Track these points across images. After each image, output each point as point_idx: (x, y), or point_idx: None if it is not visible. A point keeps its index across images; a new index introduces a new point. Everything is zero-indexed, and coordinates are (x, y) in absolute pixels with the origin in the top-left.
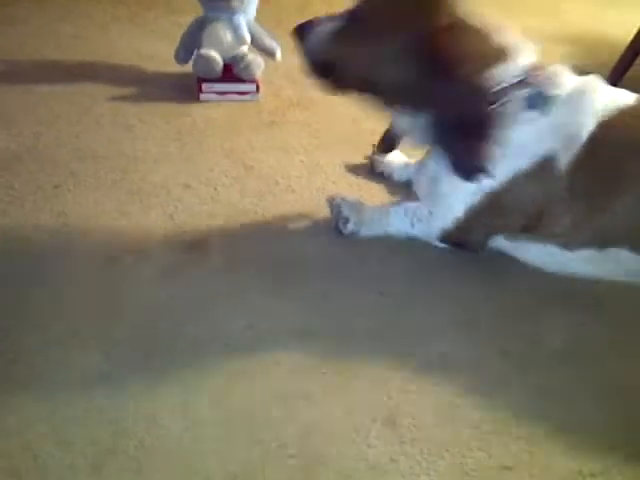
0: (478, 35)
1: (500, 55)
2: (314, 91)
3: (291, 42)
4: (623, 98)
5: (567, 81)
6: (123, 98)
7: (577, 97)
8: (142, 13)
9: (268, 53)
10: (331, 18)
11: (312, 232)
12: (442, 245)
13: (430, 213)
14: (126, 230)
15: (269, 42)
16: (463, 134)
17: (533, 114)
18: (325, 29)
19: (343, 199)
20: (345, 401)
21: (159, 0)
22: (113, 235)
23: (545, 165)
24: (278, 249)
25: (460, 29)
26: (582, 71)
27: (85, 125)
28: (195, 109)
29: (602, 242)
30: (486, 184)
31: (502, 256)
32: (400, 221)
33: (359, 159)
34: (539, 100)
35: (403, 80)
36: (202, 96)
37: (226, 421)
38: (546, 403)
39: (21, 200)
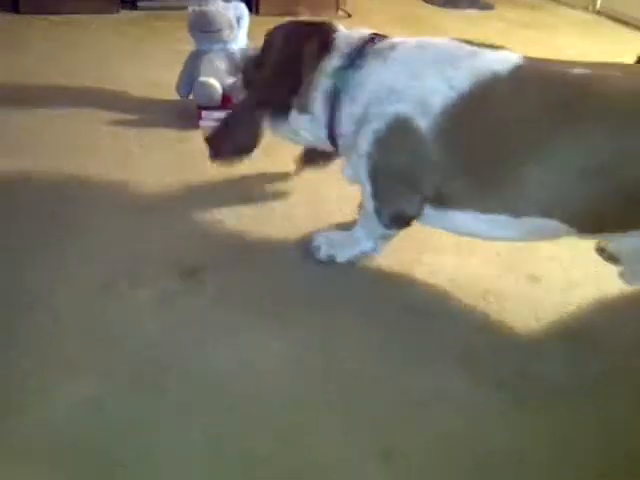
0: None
1: (327, 47)
2: None
3: None
4: (493, 66)
5: (394, 50)
6: (124, 123)
7: (421, 63)
8: (144, 42)
9: None
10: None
11: (307, 262)
12: (391, 229)
13: (363, 206)
14: (123, 255)
15: None
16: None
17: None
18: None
19: (317, 232)
20: (341, 436)
21: (161, 29)
22: (110, 260)
23: (400, 127)
24: (274, 279)
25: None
26: None
27: (86, 149)
28: (195, 136)
29: (514, 210)
30: (362, 148)
31: (494, 291)
32: (364, 235)
33: (356, 188)
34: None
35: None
36: (202, 123)
37: (219, 456)
38: (544, 439)
39: (20, 224)
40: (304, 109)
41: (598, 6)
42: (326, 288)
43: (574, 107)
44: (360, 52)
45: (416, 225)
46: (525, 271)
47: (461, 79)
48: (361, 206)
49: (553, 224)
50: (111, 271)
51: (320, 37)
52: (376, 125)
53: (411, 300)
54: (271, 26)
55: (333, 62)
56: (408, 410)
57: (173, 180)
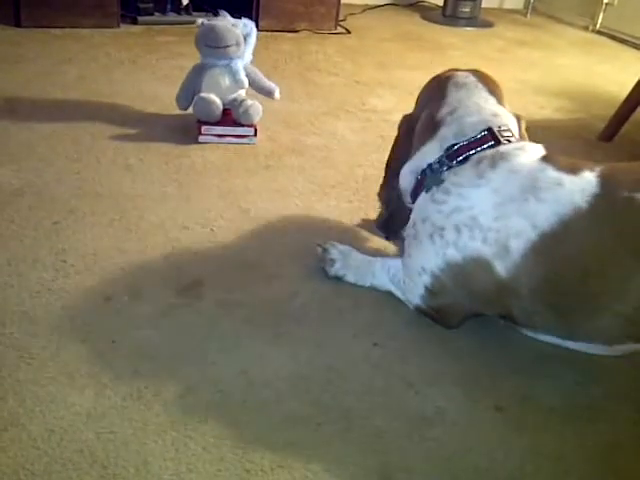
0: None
1: (433, 132)
2: (309, 137)
3: (287, 88)
4: (574, 197)
5: (493, 171)
6: (123, 138)
7: (508, 198)
8: (144, 56)
9: (267, 93)
10: None
11: (306, 277)
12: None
13: (404, 282)
14: (123, 269)
15: (267, 83)
16: None
17: (440, 194)
18: None
19: (333, 243)
20: (339, 454)
21: (161, 44)
22: (110, 273)
23: (478, 266)
24: (272, 293)
25: (421, 105)
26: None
27: (85, 163)
28: (194, 151)
29: (608, 341)
30: (431, 265)
31: None
32: (381, 276)
33: (353, 204)
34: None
35: None
36: (201, 138)
37: (218, 469)
38: (542, 463)
39: (21, 235)
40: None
41: (598, 25)
42: (325, 302)
43: None
44: (466, 151)
45: None
46: None
47: (543, 216)
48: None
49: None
50: (111, 284)
51: (433, 109)
52: (452, 252)
53: (411, 317)
54: (271, 42)
55: (430, 150)
56: (408, 429)
57: (172, 194)
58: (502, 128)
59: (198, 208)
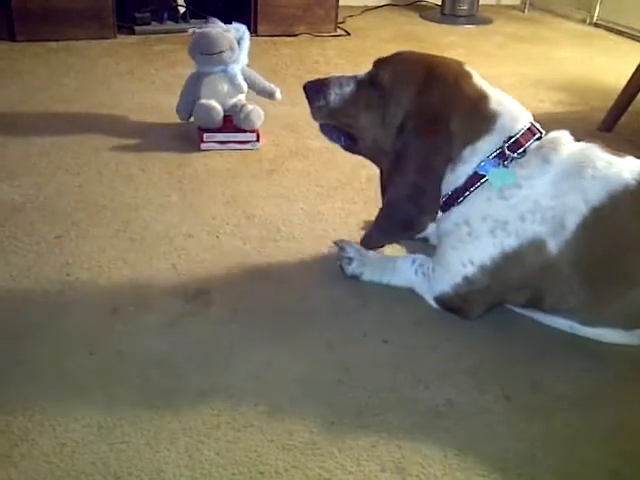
0: (468, 105)
1: (488, 125)
2: (312, 140)
3: (288, 92)
4: (624, 175)
5: (556, 155)
6: (125, 148)
7: (565, 175)
8: (142, 66)
9: (268, 94)
10: (341, 81)
11: (314, 280)
12: (435, 306)
13: (433, 270)
14: (129, 280)
15: (267, 84)
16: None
17: (511, 190)
18: (337, 93)
19: (349, 242)
20: (353, 451)
21: (158, 53)
22: (116, 285)
23: (533, 248)
24: (280, 298)
25: (452, 102)
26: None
27: (87, 175)
28: (196, 159)
29: (629, 324)
30: (483, 257)
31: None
32: (406, 270)
33: (359, 206)
34: (506, 175)
35: (399, 150)
36: (203, 146)
37: (232, 473)
38: (552, 449)
39: (24, 250)
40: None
41: (595, 18)
42: (335, 304)
43: None
44: (526, 142)
45: (419, 235)
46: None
47: (594, 191)
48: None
49: None
50: (117, 295)
51: (476, 103)
52: (510, 241)
53: (420, 313)
54: (271, 46)
55: (490, 147)
56: (420, 422)
57: (176, 203)
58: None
59: (203, 216)
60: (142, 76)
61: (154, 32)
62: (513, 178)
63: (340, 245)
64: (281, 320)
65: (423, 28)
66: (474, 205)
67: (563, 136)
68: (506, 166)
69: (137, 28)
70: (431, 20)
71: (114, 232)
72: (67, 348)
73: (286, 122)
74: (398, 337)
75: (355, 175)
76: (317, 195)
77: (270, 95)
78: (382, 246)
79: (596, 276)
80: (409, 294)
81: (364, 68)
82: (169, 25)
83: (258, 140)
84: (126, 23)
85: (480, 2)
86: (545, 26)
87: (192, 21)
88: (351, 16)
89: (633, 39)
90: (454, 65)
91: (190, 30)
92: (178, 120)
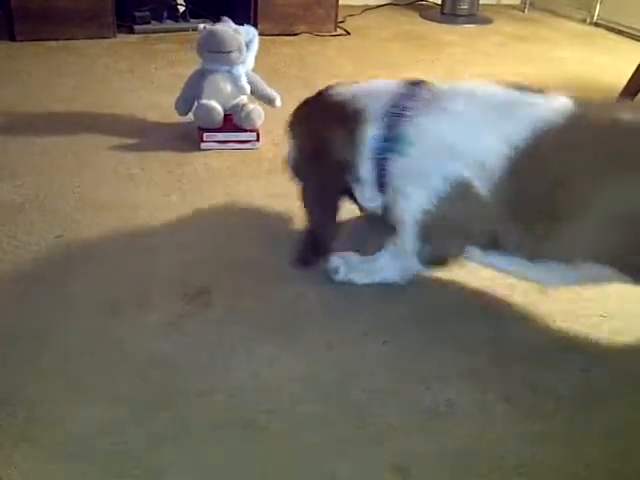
0: (335, 111)
1: (357, 119)
2: None
3: (288, 91)
4: (545, 114)
5: (449, 103)
6: (124, 148)
7: (476, 119)
8: (142, 65)
9: (268, 101)
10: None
11: (315, 279)
12: (428, 268)
13: (402, 245)
14: (129, 280)
15: (269, 90)
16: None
17: (412, 149)
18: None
19: (331, 254)
20: (354, 451)
21: (158, 52)
22: (116, 285)
23: (460, 190)
24: (281, 297)
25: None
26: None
27: (86, 175)
28: (196, 158)
29: (568, 258)
30: (419, 212)
31: (501, 302)
32: (389, 263)
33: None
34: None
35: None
36: (203, 145)
37: (234, 474)
38: (552, 450)
39: (23, 251)
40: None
41: (595, 18)
42: (335, 303)
43: (622, 157)
44: (401, 110)
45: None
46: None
47: (517, 133)
48: (392, 241)
49: (607, 272)
50: (118, 295)
51: (341, 116)
52: (437, 184)
53: (420, 313)
54: (270, 46)
55: (370, 130)
56: (421, 423)
57: (176, 203)
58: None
59: (203, 215)
60: (142, 75)
61: (154, 31)
62: (405, 144)
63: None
64: (281, 320)
65: (423, 27)
66: (395, 177)
67: (452, 84)
68: (391, 138)
69: (137, 27)
70: (431, 19)
71: (114, 232)
72: (68, 348)
73: (286, 121)
74: (398, 337)
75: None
76: None
77: (270, 102)
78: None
79: (529, 214)
80: (410, 291)
81: (364, 67)
82: (169, 24)
83: (258, 140)
84: (126, 22)
85: (480, 2)
86: (545, 26)
87: (192, 20)
88: (351, 15)
89: (633, 39)
90: (313, 97)
91: (201, 26)
92: (178, 119)
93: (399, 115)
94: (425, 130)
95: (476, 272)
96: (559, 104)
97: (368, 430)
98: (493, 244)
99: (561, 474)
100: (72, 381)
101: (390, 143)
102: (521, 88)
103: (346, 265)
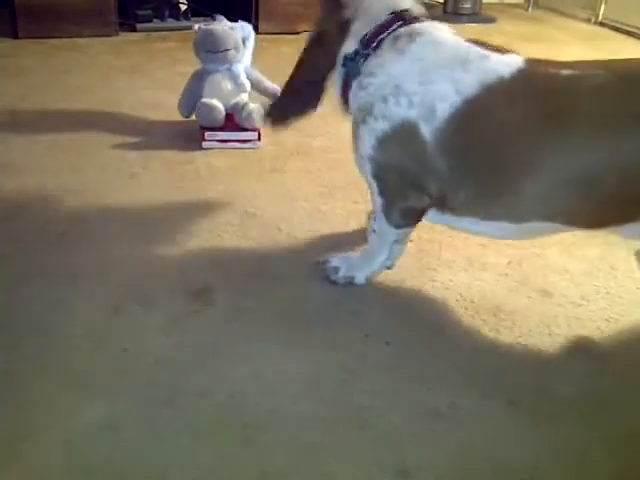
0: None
1: (344, 32)
2: (314, 139)
3: None
4: (499, 68)
5: (414, 43)
6: (126, 146)
7: (432, 64)
8: (144, 63)
9: (270, 95)
10: None
11: (316, 279)
12: (404, 228)
13: (372, 205)
14: (132, 278)
15: (269, 85)
16: None
17: (367, 79)
18: None
19: (329, 256)
20: (356, 453)
21: (160, 51)
22: (119, 283)
23: (405, 131)
24: (283, 297)
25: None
26: None
27: (89, 173)
28: (198, 157)
29: (515, 217)
30: (365, 149)
31: (504, 305)
32: (374, 238)
33: (361, 206)
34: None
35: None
36: (204, 144)
37: (234, 473)
38: (556, 455)
39: (26, 248)
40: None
41: (600, 17)
42: (338, 304)
43: (563, 114)
44: (376, 36)
45: (427, 240)
46: (536, 286)
47: (468, 83)
48: (371, 213)
49: (554, 226)
50: (120, 293)
51: (337, 14)
52: (381, 125)
53: (423, 316)
54: (271, 45)
55: (348, 46)
56: (423, 425)
57: (178, 201)
58: (409, 10)
59: (205, 214)
60: (144, 73)
61: (156, 29)
62: (359, 72)
63: (321, 262)
64: (283, 320)
65: None
66: (351, 103)
67: (438, 27)
68: (356, 61)
69: (139, 25)
70: (433, 18)
71: (116, 230)
72: (71, 346)
73: None
74: (400, 338)
75: (357, 175)
76: (319, 194)
77: (272, 96)
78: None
79: (476, 170)
80: (412, 295)
81: None
82: (170, 22)
83: (259, 139)
84: (128, 20)
85: (483, 0)
86: (549, 25)
87: (193, 18)
88: None
89: (638, 38)
90: None
91: (196, 26)
92: (180, 118)
93: (369, 44)
94: (381, 66)
95: (479, 274)
96: (512, 60)
97: (369, 431)
98: (446, 206)
99: (565, 479)
100: (74, 380)
101: (353, 66)
102: (482, 44)
103: (346, 264)
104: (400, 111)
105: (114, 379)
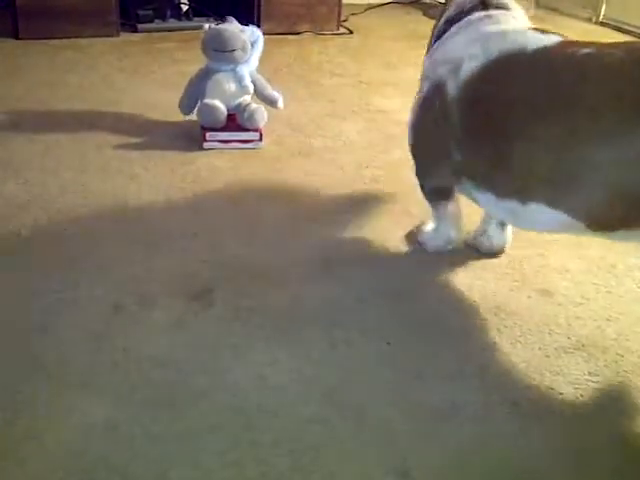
0: None
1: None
2: (315, 140)
3: (291, 90)
4: (528, 43)
5: (481, 24)
6: (128, 147)
7: (469, 27)
8: (145, 64)
9: (270, 102)
10: None
11: (317, 280)
12: (435, 203)
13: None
14: (133, 278)
15: (271, 92)
16: None
17: (436, 50)
18: None
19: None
20: (356, 453)
21: (162, 51)
22: (119, 283)
23: (437, 88)
24: (283, 298)
25: None
26: None
27: (90, 173)
28: (199, 157)
29: (523, 196)
30: (410, 119)
31: (505, 304)
32: (441, 221)
33: (361, 207)
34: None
35: None
36: (206, 144)
37: (234, 474)
38: (558, 456)
39: (28, 248)
40: None
41: (601, 17)
42: (336, 303)
43: (568, 92)
44: (456, 18)
45: None
46: (537, 286)
47: (495, 48)
48: None
49: (558, 217)
50: (121, 294)
51: None
52: (426, 86)
53: (423, 316)
54: (273, 45)
55: (439, 27)
56: (424, 426)
57: (179, 202)
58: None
59: (205, 215)
60: (145, 74)
61: (157, 30)
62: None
63: (416, 227)
64: (283, 319)
65: (427, 26)
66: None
67: (507, 15)
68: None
69: (140, 26)
70: (435, 18)
71: (117, 230)
72: (71, 346)
73: (289, 121)
74: (401, 337)
75: (358, 175)
76: (319, 195)
77: (272, 103)
78: None
79: (485, 136)
80: (414, 295)
81: (367, 67)
82: (172, 23)
83: (261, 139)
84: (129, 21)
85: None
86: (550, 24)
87: (195, 19)
88: (354, 14)
89: (639, 38)
90: None
91: (206, 25)
92: (181, 118)
93: (449, 25)
94: (444, 42)
95: (480, 274)
96: (547, 38)
97: (370, 431)
98: (468, 174)
99: (565, 479)
100: (74, 380)
101: (438, 36)
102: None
103: (424, 234)
104: (439, 71)
105: (114, 379)
